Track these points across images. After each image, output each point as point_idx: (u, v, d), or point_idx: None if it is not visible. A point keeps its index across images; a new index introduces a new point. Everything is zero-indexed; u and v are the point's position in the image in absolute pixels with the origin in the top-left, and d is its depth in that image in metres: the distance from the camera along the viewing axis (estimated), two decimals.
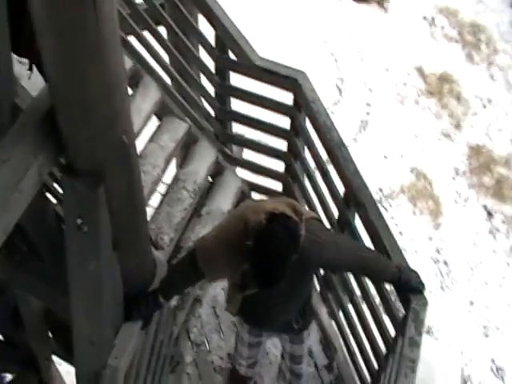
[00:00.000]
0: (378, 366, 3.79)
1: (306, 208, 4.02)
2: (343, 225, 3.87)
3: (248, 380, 3.92)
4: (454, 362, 5.30)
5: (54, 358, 4.33)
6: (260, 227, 2.55)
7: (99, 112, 1.94)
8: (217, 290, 4.26)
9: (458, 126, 7.74)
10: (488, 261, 6.75)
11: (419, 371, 2.98)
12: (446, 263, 6.59)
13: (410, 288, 3.10)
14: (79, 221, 2.17)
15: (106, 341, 2.67)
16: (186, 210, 4.14)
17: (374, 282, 3.56)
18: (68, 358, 3.88)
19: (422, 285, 3.12)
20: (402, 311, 3.34)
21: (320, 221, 3.00)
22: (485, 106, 8.04)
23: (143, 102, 4.26)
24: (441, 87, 8.00)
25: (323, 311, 4.41)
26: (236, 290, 3.03)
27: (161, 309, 2.97)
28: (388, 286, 3.55)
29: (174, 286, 2.93)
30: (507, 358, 6.11)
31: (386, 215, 3.65)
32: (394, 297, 3.66)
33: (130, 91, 4.05)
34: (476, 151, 7.58)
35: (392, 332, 3.52)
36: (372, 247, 3.50)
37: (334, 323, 4.39)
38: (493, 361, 6.08)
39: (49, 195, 3.13)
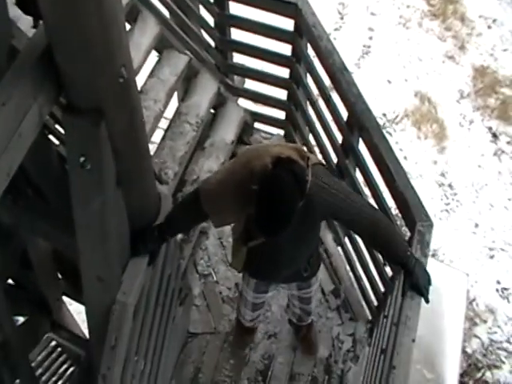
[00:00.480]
0: (384, 288, 3.83)
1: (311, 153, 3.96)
2: (347, 150, 3.87)
3: (254, 328, 3.99)
4: (459, 284, 5.33)
5: (65, 298, 4.39)
6: (265, 172, 2.46)
7: (97, 47, 1.91)
8: None
9: (462, 48, 7.63)
10: (493, 183, 6.76)
11: None
12: (450, 186, 6.61)
13: (416, 287, 2.84)
14: (82, 159, 2.16)
15: (114, 277, 2.69)
16: (189, 144, 4.13)
17: (385, 253, 3.17)
18: (78, 298, 3.92)
19: (427, 291, 2.86)
20: (407, 234, 3.35)
21: (326, 167, 2.87)
22: (490, 27, 7.89)
23: (142, 36, 4.20)
24: (444, 8, 7.84)
25: (329, 237, 4.47)
26: (240, 244, 2.99)
27: (167, 243, 2.97)
28: (393, 209, 3.57)
29: (178, 224, 2.91)
30: None
31: (391, 140, 3.63)
32: (399, 220, 3.72)
33: (128, 26, 4.01)
34: (481, 73, 7.49)
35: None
36: (377, 172, 3.52)
37: (339, 249, 4.44)
38: (498, 282, 6.17)
39: (51, 137, 3.11)
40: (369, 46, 7.45)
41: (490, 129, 7.14)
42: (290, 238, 2.47)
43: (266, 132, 4.94)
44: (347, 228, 3.95)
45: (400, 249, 2.85)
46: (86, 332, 3.53)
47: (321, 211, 2.75)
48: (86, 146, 2.16)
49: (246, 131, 4.78)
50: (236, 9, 4.25)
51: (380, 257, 3.78)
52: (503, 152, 7.01)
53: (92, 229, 2.45)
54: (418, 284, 2.83)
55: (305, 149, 2.85)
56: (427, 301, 2.86)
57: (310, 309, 3.76)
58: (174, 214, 2.84)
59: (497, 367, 5.74)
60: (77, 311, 4.54)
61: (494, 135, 7.11)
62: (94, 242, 2.50)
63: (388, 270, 3.76)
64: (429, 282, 2.87)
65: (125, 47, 2.07)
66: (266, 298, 3.52)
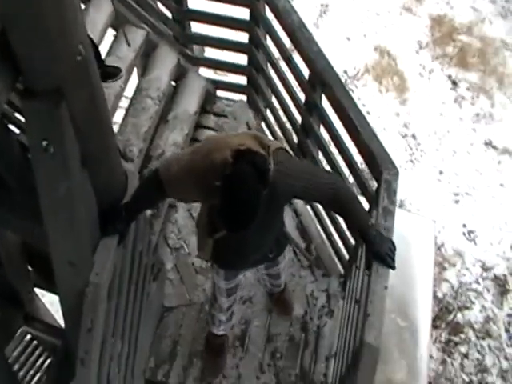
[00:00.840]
0: (355, 241, 3.85)
1: (271, 137, 3.98)
2: (311, 108, 3.91)
3: (224, 343, 3.95)
4: (427, 231, 5.42)
5: (37, 290, 4.31)
6: (226, 165, 2.44)
7: (52, 27, 1.86)
8: None
9: None
10: (455, 129, 6.87)
11: None
12: (414, 137, 6.71)
13: (378, 256, 2.87)
14: (44, 143, 2.11)
15: (86, 259, 2.66)
16: (152, 119, 4.10)
17: (346, 222, 3.41)
18: (50, 288, 3.80)
19: (392, 261, 2.88)
20: (374, 185, 3.38)
21: (287, 151, 2.82)
22: None
23: (97, 13, 4.15)
24: None
25: None
26: (206, 235, 3.02)
27: (136, 220, 2.97)
28: (359, 162, 3.62)
29: (143, 204, 2.92)
30: (478, 221, 6.36)
31: (353, 97, 3.69)
32: (366, 175, 3.80)
33: (82, 6, 4.00)
34: (438, 22, 7.56)
35: (366, 207, 3.54)
36: (342, 127, 3.55)
37: (309, 208, 4.51)
38: (464, 225, 6.34)
39: (10, 127, 3.06)
40: (326, 5, 7.46)
41: (449, 77, 7.24)
42: (256, 228, 2.45)
43: (228, 99, 4.98)
44: (311, 201, 4.01)
45: (361, 219, 2.87)
46: (61, 322, 3.48)
47: (285, 196, 2.78)
48: (48, 130, 2.11)
49: (208, 100, 4.81)
50: None
51: None
52: (463, 98, 7.13)
53: (60, 214, 2.40)
54: (379, 252, 2.86)
55: (264, 136, 2.86)
56: (392, 268, 2.88)
57: (279, 283, 3.82)
58: (138, 193, 2.83)
59: (467, 308, 5.94)
60: (50, 302, 4.47)
61: (454, 82, 7.21)
62: (63, 227, 2.46)
63: None
64: (392, 251, 2.88)
65: (81, 25, 2.03)
66: (238, 281, 3.51)
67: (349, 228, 3.58)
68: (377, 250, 2.86)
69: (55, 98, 2.04)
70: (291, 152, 3.26)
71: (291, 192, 2.74)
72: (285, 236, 3.41)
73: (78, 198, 2.40)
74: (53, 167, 2.22)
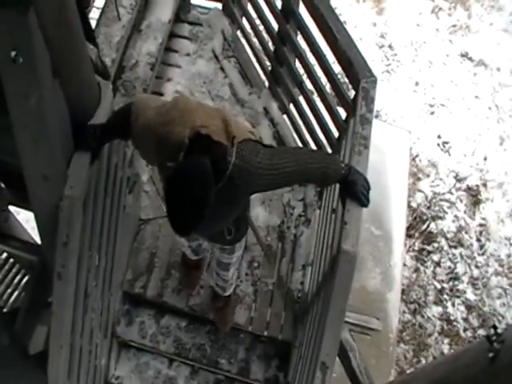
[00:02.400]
0: (332, 150, 3.82)
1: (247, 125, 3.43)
2: (287, 14, 3.83)
3: (200, 260, 3.82)
4: (402, 142, 5.46)
5: (11, 208, 4.24)
6: (181, 148, 2.26)
7: None
8: None
9: None
10: (431, 40, 6.84)
11: (369, 155, 3.00)
12: (390, 47, 6.67)
13: (353, 195, 2.78)
14: (13, 53, 2.01)
15: (59, 173, 2.58)
16: (124, 28, 3.95)
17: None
18: (25, 205, 3.64)
19: (366, 197, 2.78)
20: (352, 93, 3.30)
21: (256, 141, 2.51)
22: None
23: None
24: None
25: (274, 107, 4.44)
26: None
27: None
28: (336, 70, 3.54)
29: (114, 131, 2.77)
30: (452, 133, 6.43)
31: None
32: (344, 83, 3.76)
33: None
34: None
35: (344, 116, 3.51)
36: (319, 34, 3.43)
37: (285, 117, 4.43)
38: (439, 136, 6.40)
39: None
40: None
41: None
42: (212, 217, 2.22)
43: (203, 7, 4.84)
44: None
45: (338, 173, 2.71)
46: (37, 239, 3.44)
47: (243, 193, 2.52)
48: (16, 38, 2.00)
49: (182, 8, 4.66)
50: None
51: (324, 117, 3.80)
52: (440, 9, 7.05)
53: (32, 126, 2.32)
54: (354, 191, 2.76)
55: (235, 121, 2.53)
56: (366, 206, 2.80)
57: (225, 276, 3.45)
58: (110, 120, 2.73)
59: (440, 218, 6.06)
60: (25, 219, 4.44)
61: None
62: (35, 139, 2.38)
63: (334, 130, 3.75)
64: (365, 188, 2.78)
65: None
66: (200, 241, 3.37)
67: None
68: (351, 190, 2.78)
69: (23, 5, 1.95)
70: (261, 138, 2.86)
71: (250, 189, 2.51)
72: (246, 221, 3.09)
73: (50, 109, 2.31)
74: (23, 77, 2.13)
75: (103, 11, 4.04)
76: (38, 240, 3.00)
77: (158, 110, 2.49)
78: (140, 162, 4.07)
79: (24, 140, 2.39)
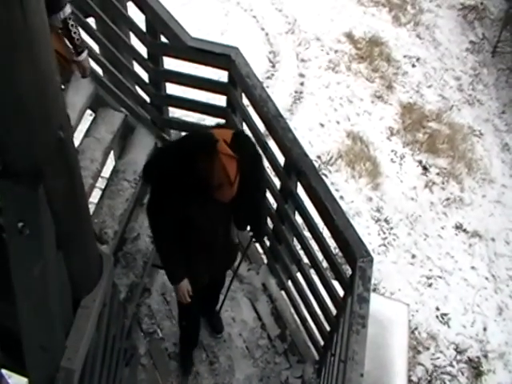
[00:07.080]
0: (330, 327, 3.86)
1: None
2: (286, 195, 3.94)
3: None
4: (401, 315, 5.43)
5: (3, 371, 3.97)
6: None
7: (33, 110, 1.85)
8: (165, 277, 4.14)
9: (389, 87, 7.94)
10: (426, 213, 6.99)
11: (369, 329, 3.05)
12: (386, 221, 6.80)
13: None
14: (20, 224, 2.06)
15: (58, 344, 2.59)
16: (128, 201, 4.10)
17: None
18: (18, 370, 3.50)
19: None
20: (349, 272, 3.41)
21: None
22: (414, 65, 8.28)
23: (76, 95, 4.19)
24: (371, 51, 8.16)
25: (272, 282, 4.51)
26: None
27: (110, 303, 2.95)
28: (333, 249, 3.66)
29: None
30: (450, 304, 6.39)
31: (327, 181, 3.72)
32: (340, 260, 3.83)
33: (62, 86, 4.02)
34: (408, 109, 7.80)
35: (341, 293, 3.59)
36: (317, 214, 3.61)
37: (283, 293, 4.50)
38: (437, 308, 6.36)
39: None
40: (301, 92, 7.66)
41: (420, 162, 7.42)
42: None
43: None
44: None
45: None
46: None
47: None
48: (25, 212, 2.06)
49: None
50: (170, 64, 4.31)
51: (323, 296, 3.88)
52: (434, 183, 7.28)
53: (33, 295, 2.35)
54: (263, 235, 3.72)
55: None
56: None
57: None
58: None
59: None
60: None
61: (425, 168, 7.39)
62: (35, 309, 2.40)
63: (332, 308, 3.82)
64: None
65: (61, 108, 2.03)
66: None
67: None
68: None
69: (33, 181, 2.00)
70: None
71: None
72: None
73: (52, 280, 2.34)
74: (28, 248, 2.17)
75: (108, 184, 4.19)
76: None
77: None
78: (138, 334, 4.10)
79: (24, 308, 2.41)
